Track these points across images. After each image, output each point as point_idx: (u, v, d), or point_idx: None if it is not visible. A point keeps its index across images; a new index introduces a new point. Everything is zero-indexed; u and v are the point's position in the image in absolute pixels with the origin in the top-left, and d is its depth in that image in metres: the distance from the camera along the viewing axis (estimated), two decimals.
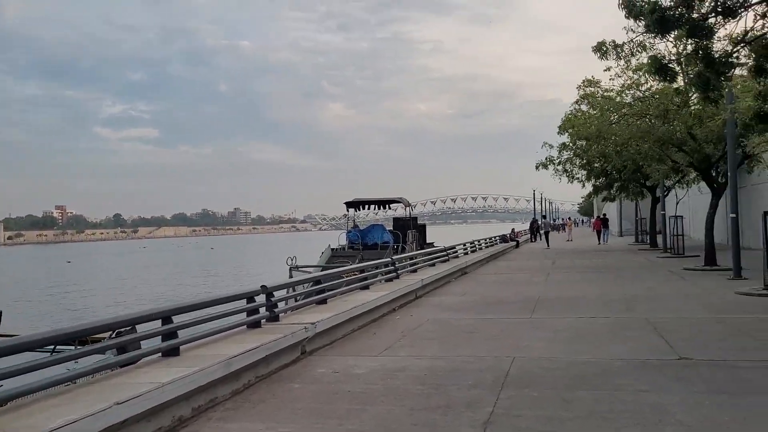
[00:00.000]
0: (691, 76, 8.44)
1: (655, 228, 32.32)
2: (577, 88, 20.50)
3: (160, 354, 6.73)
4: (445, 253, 22.11)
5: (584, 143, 31.54)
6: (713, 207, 19.25)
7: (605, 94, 20.73)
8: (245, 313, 8.47)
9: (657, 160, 18.70)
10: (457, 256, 24.01)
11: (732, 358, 7.45)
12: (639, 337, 8.90)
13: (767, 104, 9.25)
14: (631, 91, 18.69)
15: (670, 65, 8.52)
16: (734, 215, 16.28)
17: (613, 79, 18.72)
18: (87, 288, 49.44)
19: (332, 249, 24.65)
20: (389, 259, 15.33)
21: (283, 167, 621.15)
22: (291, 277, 19.67)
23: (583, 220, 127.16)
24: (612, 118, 19.19)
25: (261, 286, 8.83)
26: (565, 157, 33.06)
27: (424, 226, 31.29)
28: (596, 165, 32.66)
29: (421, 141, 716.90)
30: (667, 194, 29.20)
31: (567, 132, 32.05)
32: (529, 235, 50.50)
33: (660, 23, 7.55)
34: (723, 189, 19.36)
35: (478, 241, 30.19)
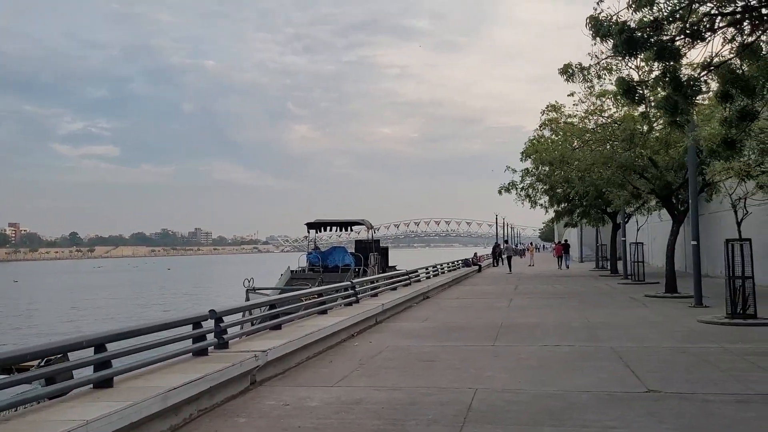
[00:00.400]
0: (659, 99, 8.29)
1: (615, 254, 32.52)
2: (541, 113, 20.54)
3: (91, 386, 6.13)
4: (407, 277, 21.72)
5: (547, 168, 31.84)
6: (674, 234, 19.32)
7: (568, 120, 20.80)
8: (191, 340, 7.91)
9: (619, 186, 18.72)
10: (419, 280, 23.64)
11: (701, 390, 7.16)
12: (605, 368, 8.59)
13: (733, 130, 9.17)
14: (594, 117, 18.76)
15: (638, 87, 8.36)
16: (695, 242, 16.28)
17: (576, 105, 18.82)
18: (25, 309, 46.93)
19: (292, 271, 23.99)
20: (349, 282, 14.86)
21: (246, 188, 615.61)
22: (248, 299, 19.02)
23: (544, 246, 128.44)
24: (575, 143, 19.23)
25: (209, 311, 8.27)
26: (528, 182, 33.25)
27: (386, 249, 30.89)
28: (558, 190, 32.89)
29: (385, 164, 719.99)
30: (627, 221, 29.42)
31: (530, 157, 32.32)
32: (491, 260, 50.47)
33: (628, 44, 7.37)
34: (683, 216, 19.46)
35: (441, 265, 29.90)
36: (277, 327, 10.22)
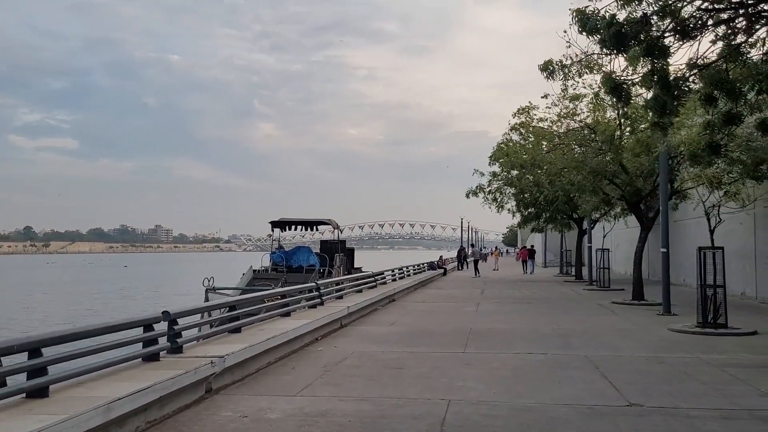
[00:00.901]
0: (649, 99, 7.97)
1: (580, 260, 32.54)
2: (512, 115, 20.24)
3: (24, 395, 5.46)
4: (373, 279, 21.21)
5: (516, 172, 31.70)
6: (642, 241, 19.21)
7: (538, 125, 20.56)
8: (141, 344, 7.26)
9: (590, 191, 18.53)
10: (385, 283, 23.16)
11: (684, 405, 6.81)
12: (582, 378, 8.21)
13: (717, 134, 8.93)
14: (566, 121, 18.55)
15: (624, 85, 8.02)
16: (665, 250, 16.17)
17: (549, 108, 18.57)
18: None
19: (254, 271, 23.18)
20: (313, 283, 14.28)
21: (209, 186, 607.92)
22: (207, 300, 18.25)
23: (508, 251, 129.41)
24: (545, 147, 18.97)
25: (162, 312, 7.63)
26: (495, 186, 33.09)
27: (352, 250, 30.26)
28: (526, 195, 32.78)
29: (351, 165, 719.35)
30: (593, 227, 29.42)
31: (498, 161, 32.16)
32: (456, 263, 50.26)
33: (617, 38, 7.01)
34: (652, 223, 19.37)
35: (407, 268, 29.50)
36: (237, 330, 9.62)
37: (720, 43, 7.87)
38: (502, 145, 31.74)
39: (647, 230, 19.19)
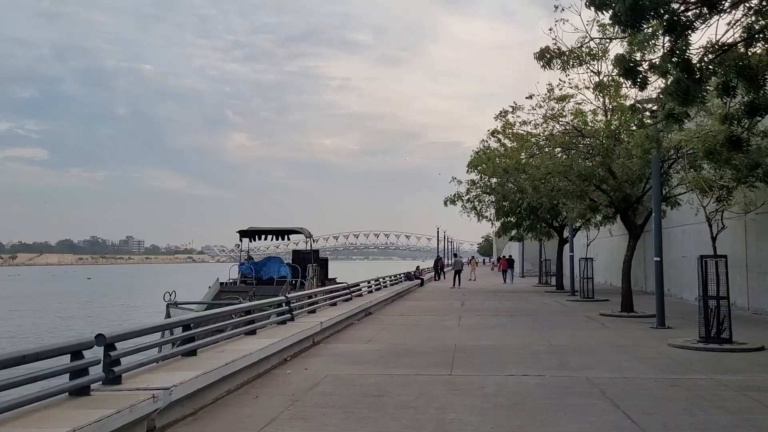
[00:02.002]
0: (669, 84, 6.97)
1: (561, 270, 31.69)
2: (494, 118, 19.19)
3: None
4: (348, 291, 19.99)
5: (494, 181, 30.76)
6: (631, 250, 18.31)
7: (521, 128, 19.54)
8: (68, 375, 5.99)
9: (577, 197, 17.55)
10: (361, 295, 21.94)
11: None
12: (591, 408, 7.11)
13: (736, 127, 7.99)
14: (552, 123, 17.58)
15: (639, 67, 7.01)
16: (659, 259, 15.23)
17: (534, 109, 17.57)
18: None
19: (221, 283, 21.70)
20: (283, 297, 13.04)
21: (182, 196, 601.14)
22: (168, 316, 16.87)
23: (485, 260, 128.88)
24: (530, 150, 17.96)
25: (96, 336, 6.36)
26: (474, 194, 32.17)
27: (326, 261, 28.91)
28: (504, 203, 31.85)
29: (325, 176, 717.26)
30: (574, 235, 28.56)
31: (476, 169, 31.23)
32: (433, 273, 49.14)
33: (633, 11, 5.98)
34: (641, 231, 18.49)
35: (383, 279, 28.31)
36: (192, 353, 8.35)
37: (740, 26, 6.88)
38: (480, 153, 30.88)
39: (636, 238, 18.29)
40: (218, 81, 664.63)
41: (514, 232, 33.78)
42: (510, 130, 18.78)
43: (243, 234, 24.53)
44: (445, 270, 52.45)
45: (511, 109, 17.50)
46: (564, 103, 16.90)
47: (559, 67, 8.40)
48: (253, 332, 10.85)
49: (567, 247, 32.02)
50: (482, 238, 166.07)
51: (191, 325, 8.53)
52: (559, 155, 17.43)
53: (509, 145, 28.69)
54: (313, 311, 15.11)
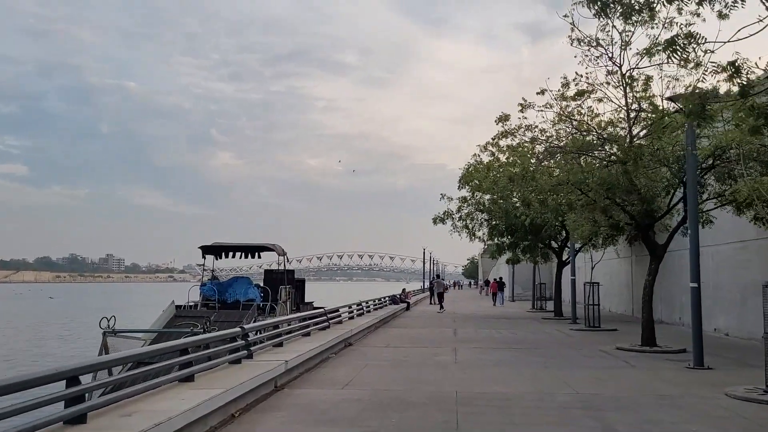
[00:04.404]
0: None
1: (560, 294, 29.16)
2: (495, 122, 16.67)
3: None
4: (325, 317, 17.29)
5: (488, 197, 28.30)
6: (652, 274, 15.79)
7: (525, 135, 17.01)
8: None
9: (601, 210, 14.93)
10: (340, 322, 19.25)
11: None
12: None
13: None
14: (565, 125, 15.09)
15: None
16: (696, 285, 12.71)
17: (542, 110, 15.06)
18: None
19: (177, 307, 18.73)
20: (239, 328, 10.32)
21: (165, 214, 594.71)
22: (104, 346, 14.03)
23: (470, 283, 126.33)
24: (542, 155, 15.44)
25: None
26: (466, 211, 29.72)
27: (302, 282, 25.99)
28: (498, 222, 29.41)
29: (310, 196, 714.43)
30: (575, 255, 26.07)
31: (469, 184, 28.79)
32: (429, 297, 44.69)
33: None
34: (664, 252, 16.01)
35: (366, 303, 25.60)
36: (79, 419, 5.63)
37: None
38: (472, 169, 28.50)
39: (659, 260, 15.79)
40: (204, 99, 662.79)
41: (509, 253, 31.19)
42: (520, 131, 16.09)
43: (207, 250, 21.59)
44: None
45: (520, 108, 14.95)
46: (582, 100, 14.47)
47: (617, 13, 6.05)
48: (190, 378, 8.14)
49: (565, 270, 29.63)
50: (467, 260, 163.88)
51: (78, 377, 5.77)
52: (572, 162, 14.91)
53: (503, 159, 26.39)
54: (280, 344, 12.40)
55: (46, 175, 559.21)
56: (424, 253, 77.96)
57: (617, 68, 13.59)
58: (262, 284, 21.22)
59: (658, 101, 13.92)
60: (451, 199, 29.50)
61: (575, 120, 14.85)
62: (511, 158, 18.60)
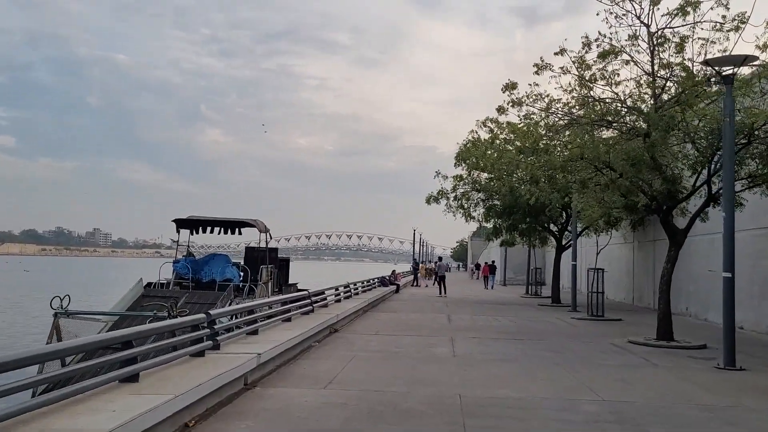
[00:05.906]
0: None
1: (559, 280, 27.72)
2: (502, 90, 14.90)
3: None
4: (309, 300, 15.71)
5: (485, 176, 26.76)
6: (671, 261, 14.30)
7: (534, 104, 15.29)
8: None
9: (626, 190, 13.26)
10: (326, 305, 17.68)
11: None
12: None
13: None
14: (584, 91, 13.35)
15: None
16: (729, 274, 11.18)
17: (557, 76, 13.32)
18: None
19: (146, 285, 16.97)
20: (202, 314, 8.69)
21: (154, 189, 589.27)
22: (56, 329, 12.36)
23: (459, 266, 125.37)
24: (557, 125, 13.79)
25: None
26: (462, 191, 28.18)
27: (286, 261, 24.28)
28: (496, 203, 27.89)
29: (299, 175, 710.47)
30: (577, 237, 24.59)
31: (465, 162, 27.27)
32: (433, 279, 42.14)
33: None
34: (684, 238, 14.51)
35: (354, 285, 24.03)
36: None
37: None
38: (468, 146, 26.96)
39: (678, 246, 14.28)
40: (193, 74, 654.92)
41: (506, 236, 29.67)
42: (531, 99, 14.27)
43: (181, 224, 19.76)
44: (418, 275, 48.21)
45: (535, 70, 13.18)
46: (605, 62, 12.76)
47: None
48: (134, 377, 6.52)
49: (564, 255, 28.19)
50: (457, 242, 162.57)
51: None
52: (589, 134, 13.26)
53: (501, 137, 24.75)
54: (255, 332, 10.81)
55: (33, 147, 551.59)
56: (414, 234, 76.31)
57: (645, 27, 11.99)
58: (242, 263, 19.54)
59: (689, 66, 12.30)
60: (446, 177, 27.94)
61: (597, 85, 13.17)
62: (517, 131, 16.95)
